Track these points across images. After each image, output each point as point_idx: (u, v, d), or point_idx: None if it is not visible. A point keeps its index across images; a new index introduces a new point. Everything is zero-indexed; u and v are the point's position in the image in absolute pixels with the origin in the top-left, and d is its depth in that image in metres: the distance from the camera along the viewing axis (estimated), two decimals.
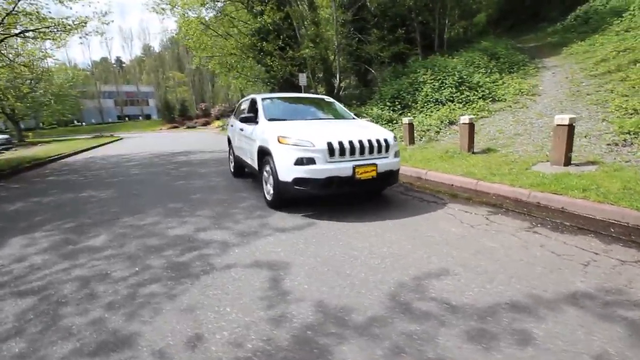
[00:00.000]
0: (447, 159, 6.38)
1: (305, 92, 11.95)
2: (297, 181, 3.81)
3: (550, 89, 9.47)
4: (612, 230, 3.24)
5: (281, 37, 12.72)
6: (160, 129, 45.24)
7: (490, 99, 9.60)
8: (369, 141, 3.96)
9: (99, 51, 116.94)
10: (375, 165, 3.92)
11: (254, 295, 2.33)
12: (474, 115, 8.60)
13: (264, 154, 4.46)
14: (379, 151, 4.05)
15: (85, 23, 9.84)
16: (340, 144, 3.81)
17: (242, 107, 6.30)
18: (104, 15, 10.85)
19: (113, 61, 71.29)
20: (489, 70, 11.20)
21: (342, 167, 3.79)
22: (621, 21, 12.23)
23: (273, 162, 4.07)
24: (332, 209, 4.21)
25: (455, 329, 1.92)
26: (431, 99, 9.97)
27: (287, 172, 3.87)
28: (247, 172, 6.81)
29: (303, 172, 3.77)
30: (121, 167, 8.91)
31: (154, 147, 15.38)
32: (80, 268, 2.88)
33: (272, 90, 15.92)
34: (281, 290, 2.38)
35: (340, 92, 14.93)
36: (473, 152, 6.52)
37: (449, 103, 9.72)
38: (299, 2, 13.62)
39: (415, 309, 2.11)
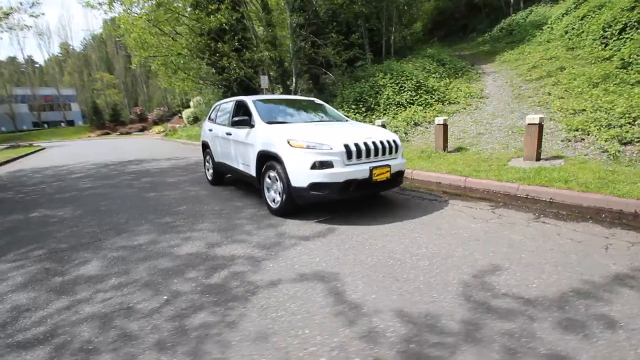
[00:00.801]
0: (425, 158, 6.65)
1: (266, 94, 11.62)
2: (314, 186, 3.63)
3: (495, 92, 10.46)
4: (604, 215, 3.64)
5: (236, 37, 12.22)
6: (89, 136, 40.57)
7: (446, 101, 10.29)
8: (381, 142, 3.94)
9: (9, 50, 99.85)
10: (389, 166, 3.90)
11: (325, 312, 2.13)
12: (434, 116, 9.15)
13: (266, 159, 4.19)
14: (390, 152, 4.05)
15: (8, 15, 8.34)
16: (357, 145, 3.73)
17: (223, 110, 5.88)
18: (32, 6, 9.27)
19: (24, 60, 61.89)
20: (440, 75, 12.02)
21: (360, 170, 3.70)
22: (541, 33, 14.02)
23: (283, 167, 3.83)
24: (340, 213, 4.10)
25: (545, 322, 1.96)
26: (393, 102, 10.36)
27: (302, 177, 3.67)
28: (230, 179, 6.39)
29: (321, 176, 3.60)
30: (66, 180, 7.71)
31: (93, 156, 13.66)
32: (89, 304, 2.38)
33: (225, 94, 15.22)
34: (350, 304, 2.22)
35: (297, 95, 14.76)
36: (448, 151, 6.90)
37: (410, 105, 10.20)
38: (253, 2, 13.24)
39: (497, 307, 2.11)
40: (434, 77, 11.49)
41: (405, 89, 10.55)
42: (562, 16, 13.55)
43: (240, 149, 4.89)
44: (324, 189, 3.63)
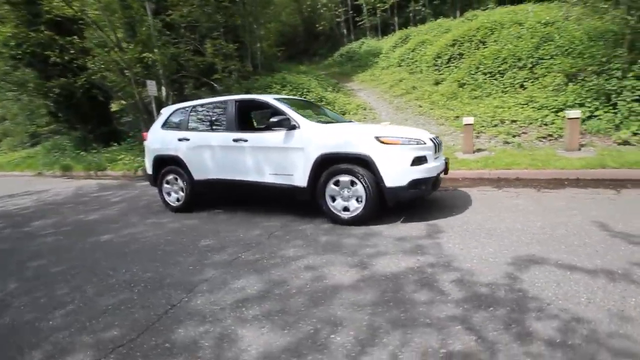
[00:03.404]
0: None
1: (156, 103, 9.53)
2: (414, 183, 3.51)
3: (376, 105, 12.30)
4: (566, 183, 5.10)
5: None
6: None
7: (346, 112, 11.35)
8: (437, 138, 4.18)
9: None
10: (448, 160, 4.19)
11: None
12: None
13: (333, 162, 3.69)
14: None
15: None
16: (433, 140, 3.84)
17: (203, 113, 4.74)
18: None
19: None
20: (326, 89, 13.09)
21: (440, 164, 3.84)
22: (380, 60, 17.40)
23: (373, 167, 3.50)
24: (390, 216, 3.97)
25: None
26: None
27: (401, 175, 3.49)
28: (204, 201, 5.06)
29: (421, 172, 3.54)
30: None
31: None
32: None
33: (58, 106, 11.45)
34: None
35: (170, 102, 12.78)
36: None
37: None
38: None
39: None
40: (328, 91, 12.43)
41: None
42: (393, 48, 17.28)
43: (270, 156, 4.06)
44: (422, 185, 3.58)
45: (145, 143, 5.20)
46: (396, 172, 3.49)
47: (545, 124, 7.45)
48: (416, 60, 14.74)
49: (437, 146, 3.91)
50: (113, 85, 11.99)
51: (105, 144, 12.74)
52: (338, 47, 21.99)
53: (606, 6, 7.89)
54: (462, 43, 12.45)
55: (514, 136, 7.45)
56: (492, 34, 11.89)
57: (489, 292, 2.20)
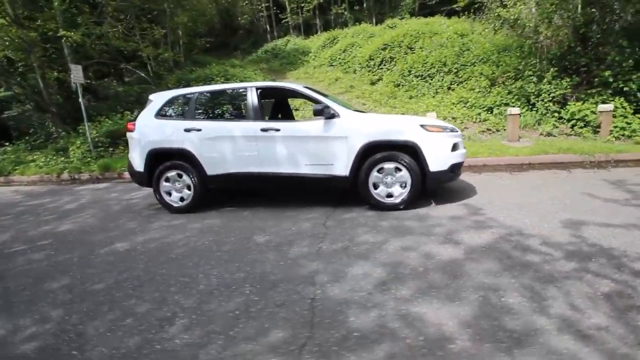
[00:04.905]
0: None
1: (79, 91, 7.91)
2: (454, 167, 3.90)
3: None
4: (524, 167, 6.20)
5: None
6: None
7: (295, 107, 11.33)
8: None
9: None
10: None
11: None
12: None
13: (377, 150, 3.82)
14: None
15: None
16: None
17: (233, 101, 4.45)
18: None
19: None
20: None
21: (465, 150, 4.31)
22: (310, 59, 17.77)
23: (419, 153, 3.75)
24: (421, 203, 4.39)
25: None
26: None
27: (443, 160, 3.82)
28: (210, 199, 4.58)
29: (457, 157, 3.94)
30: None
31: None
32: None
33: None
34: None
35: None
36: None
37: None
38: None
39: None
40: None
41: None
42: (322, 48, 17.85)
43: (307, 146, 3.94)
44: (458, 169, 3.98)
45: (132, 135, 4.43)
46: (440, 158, 3.82)
47: (480, 121, 8.81)
48: (348, 61, 15.55)
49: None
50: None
51: None
52: (262, 43, 21.58)
53: (498, 26, 9.81)
54: (392, 47, 13.62)
55: (462, 130, 8.60)
56: (417, 41, 13.32)
57: (577, 249, 2.68)
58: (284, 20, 21.85)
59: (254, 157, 4.10)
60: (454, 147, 3.94)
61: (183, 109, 4.37)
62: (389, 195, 3.91)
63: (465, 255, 2.68)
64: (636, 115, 6.63)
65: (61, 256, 3.25)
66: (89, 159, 8.02)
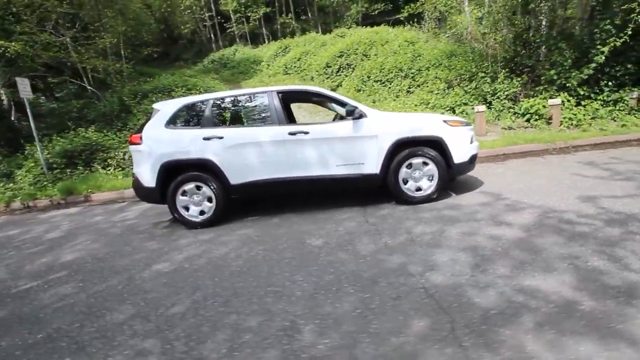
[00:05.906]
0: None
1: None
2: (472, 158, 4.21)
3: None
4: (502, 156, 6.86)
5: None
6: None
7: None
8: None
9: None
10: None
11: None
12: None
13: (405, 146, 3.98)
14: None
15: None
16: None
17: (254, 106, 4.25)
18: None
19: None
20: None
21: None
22: (262, 68, 17.66)
23: (444, 147, 3.99)
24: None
25: None
26: None
27: (465, 152, 4.11)
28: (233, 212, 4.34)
29: (474, 149, 4.26)
30: None
31: None
32: None
33: None
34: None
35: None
36: None
37: None
38: None
39: None
40: None
41: None
42: (274, 57, 17.85)
43: (337, 147, 3.96)
44: (475, 159, 4.31)
45: (139, 149, 4.02)
46: (462, 150, 4.11)
47: None
48: (304, 69, 15.76)
49: None
50: None
51: None
52: (206, 52, 20.91)
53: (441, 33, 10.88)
54: (348, 55, 14.14)
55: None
56: (371, 48, 14.00)
57: (609, 217, 3.09)
58: (229, 30, 21.43)
59: (281, 162, 3.99)
60: (471, 140, 4.27)
61: (199, 117, 4.09)
62: (418, 189, 4.09)
63: (527, 233, 2.93)
64: (578, 107, 7.77)
65: (96, 286, 2.82)
66: (45, 183, 7.02)
